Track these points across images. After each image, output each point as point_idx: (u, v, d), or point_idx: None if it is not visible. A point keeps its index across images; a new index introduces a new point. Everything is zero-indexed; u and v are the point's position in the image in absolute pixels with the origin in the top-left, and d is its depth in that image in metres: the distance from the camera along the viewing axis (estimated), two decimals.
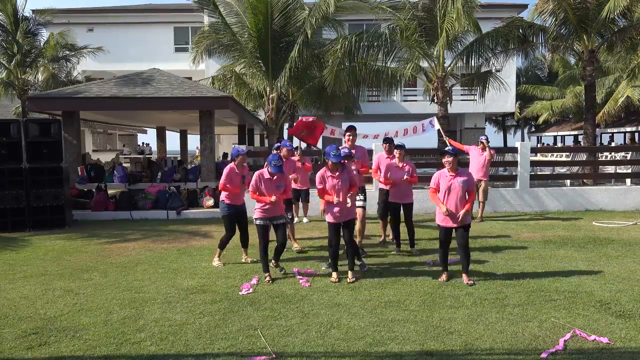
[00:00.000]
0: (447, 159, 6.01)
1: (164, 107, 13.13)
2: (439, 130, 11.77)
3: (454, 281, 6.13)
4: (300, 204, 10.62)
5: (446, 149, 6.15)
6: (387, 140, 8.09)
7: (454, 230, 6.13)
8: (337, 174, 6.18)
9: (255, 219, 6.38)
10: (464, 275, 6.14)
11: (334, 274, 6.28)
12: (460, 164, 11.33)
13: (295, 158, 9.31)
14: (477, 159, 10.73)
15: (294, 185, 10.05)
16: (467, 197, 6.02)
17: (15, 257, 7.82)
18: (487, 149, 10.62)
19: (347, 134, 7.60)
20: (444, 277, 6.21)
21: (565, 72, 32.75)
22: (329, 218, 6.26)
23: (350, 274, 6.21)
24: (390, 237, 8.39)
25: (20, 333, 4.64)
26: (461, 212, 5.97)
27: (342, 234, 6.31)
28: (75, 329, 4.73)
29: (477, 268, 6.76)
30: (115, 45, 26.80)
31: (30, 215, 10.23)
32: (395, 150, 7.73)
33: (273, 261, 6.65)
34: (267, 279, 6.24)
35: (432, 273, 6.49)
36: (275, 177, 6.33)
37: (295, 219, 10.69)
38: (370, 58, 14.56)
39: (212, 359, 4.10)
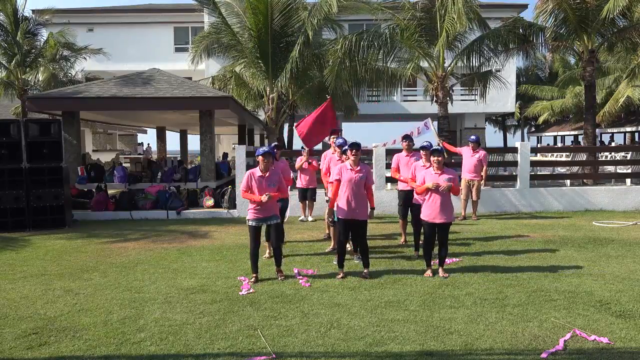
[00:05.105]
0: (435, 158, 6.33)
1: (164, 107, 13.12)
2: (435, 131, 11.87)
3: (454, 281, 6.14)
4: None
5: (435, 147, 6.49)
6: (406, 138, 8.06)
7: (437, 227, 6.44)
8: (358, 167, 6.32)
9: (248, 219, 6.31)
10: (440, 268, 6.44)
11: (339, 270, 6.44)
12: (456, 164, 11.57)
13: (303, 158, 9.47)
14: (468, 159, 10.85)
15: (301, 185, 10.26)
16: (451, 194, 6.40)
17: (15, 257, 7.82)
18: (478, 150, 10.80)
19: (332, 136, 8.30)
20: (429, 272, 6.42)
21: (565, 72, 32.76)
22: (339, 214, 6.39)
23: (365, 270, 6.40)
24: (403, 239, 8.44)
25: (20, 333, 4.64)
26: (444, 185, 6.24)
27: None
28: (75, 329, 4.73)
29: (477, 268, 6.76)
30: (115, 45, 26.78)
31: (30, 215, 10.22)
32: (421, 152, 7.18)
33: (277, 270, 6.40)
34: (253, 279, 6.20)
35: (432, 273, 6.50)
36: (267, 175, 6.23)
37: (301, 217, 10.81)
38: (371, 58, 14.56)
39: (212, 359, 4.10)
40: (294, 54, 14.64)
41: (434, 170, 6.37)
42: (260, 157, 6.17)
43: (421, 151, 7.23)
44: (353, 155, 6.32)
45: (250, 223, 6.29)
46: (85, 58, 21.09)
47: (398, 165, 8.11)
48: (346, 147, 6.72)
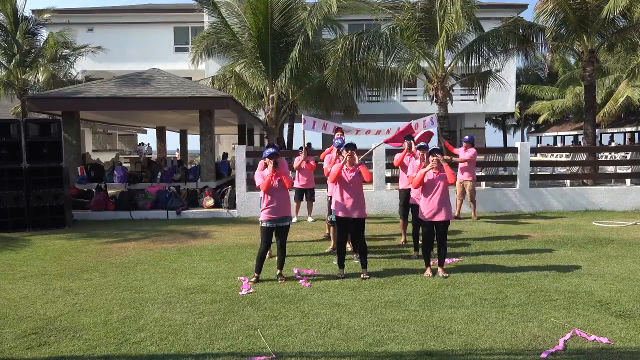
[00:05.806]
0: (435, 158, 6.38)
1: (164, 107, 13.13)
2: (438, 129, 11.84)
3: (454, 281, 6.14)
4: (304, 203, 10.63)
5: (434, 147, 6.58)
6: (408, 138, 8.09)
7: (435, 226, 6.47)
8: (353, 167, 6.39)
9: (261, 220, 6.25)
10: (439, 268, 6.43)
11: (340, 270, 6.45)
12: (456, 164, 11.58)
13: (301, 157, 9.42)
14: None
15: (298, 185, 10.22)
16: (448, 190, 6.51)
17: (15, 257, 7.82)
18: (469, 149, 10.91)
19: (337, 133, 8.36)
20: (428, 272, 6.42)
21: (565, 73, 32.76)
22: (337, 212, 6.41)
23: (364, 271, 6.41)
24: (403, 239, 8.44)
25: (20, 333, 4.64)
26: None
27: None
28: (75, 329, 4.73)
29: (477, 268, 6.76)
30: (115, 45, 26.76)
31: (30, 215, 10.21)
32: (418, 152, 6.97)
33: (278, 272, 6.31)
34: (254, 279, 6.18)
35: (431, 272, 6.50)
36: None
37: (294, 219, 10.71)
38: (371, 58, 14.58)
39: (212, 359, 4.10)
40: (294, 54, 14.65)
41: (431, 170, 6.40)
42: (267, 159, 6.14)
43: (418, 151, 6.99)
44: (348, 155, 6.38)
45: (263, 224, 6.21)
46: (82, 55, 21.05)
47: (401, 160, 8.13)
48: (342, 148, 6.70)
